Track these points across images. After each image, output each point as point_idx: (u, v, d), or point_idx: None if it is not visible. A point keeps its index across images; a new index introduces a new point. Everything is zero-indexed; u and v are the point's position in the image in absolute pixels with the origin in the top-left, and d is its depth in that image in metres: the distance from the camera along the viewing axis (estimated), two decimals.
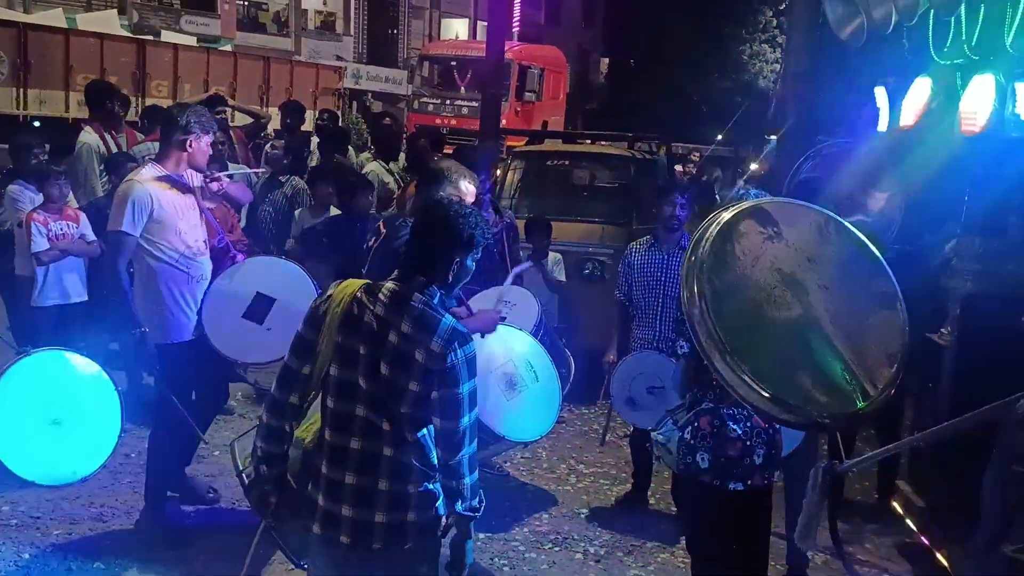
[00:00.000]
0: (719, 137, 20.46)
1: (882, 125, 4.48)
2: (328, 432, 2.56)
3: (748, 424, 3.19)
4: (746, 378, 2.43)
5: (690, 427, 3.24)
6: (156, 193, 3.97)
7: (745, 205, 2.78)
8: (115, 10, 17.33)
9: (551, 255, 6.48)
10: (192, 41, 16.04)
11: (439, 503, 2.57)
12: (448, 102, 18.65)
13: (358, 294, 2.53)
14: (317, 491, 2.57)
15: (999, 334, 3.99)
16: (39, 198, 5.35)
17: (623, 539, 4.68)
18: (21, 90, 11.16)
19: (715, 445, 3.18)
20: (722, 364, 2.47)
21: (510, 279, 4.76)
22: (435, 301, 2.53)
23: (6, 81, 11.02)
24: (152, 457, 4.27)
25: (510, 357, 4.17)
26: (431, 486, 2.55)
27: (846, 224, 2.82)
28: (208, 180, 4.26)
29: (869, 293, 2.71)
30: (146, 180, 4.00)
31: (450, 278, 2.58)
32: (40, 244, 5.20)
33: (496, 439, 3.98)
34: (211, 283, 4.18)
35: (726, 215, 2.67)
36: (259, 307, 4.02)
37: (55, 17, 13.62)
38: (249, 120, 8.58)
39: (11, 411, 2.87)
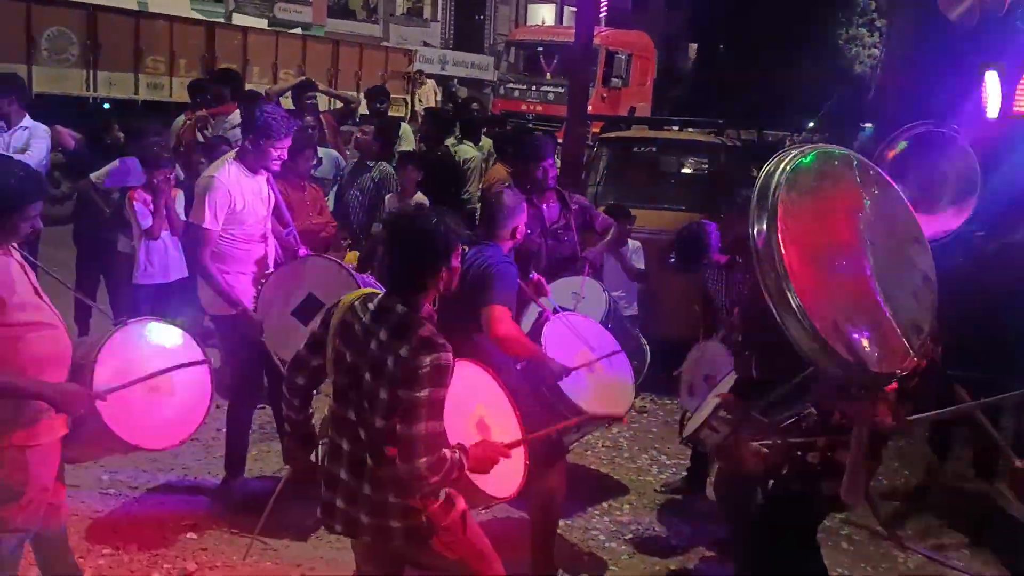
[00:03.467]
0: (811, 124, 19.86)
1: (992, 111, 4.25)
2: (330, 428, 2.73)
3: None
4: (803, 324, 2.36)
5: (818, 452, 3.16)
6: (232, 186, 4.18)
7: (807, 149, 2.70)
8: None
9: (631, 242, 6.38)
10: (263, 24, 16.18)
11: (430, 511, 2.61)
12: (534, 87, 18.59)
13: (355, 304, 2.67)
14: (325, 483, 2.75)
15: None
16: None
17: (705, 532, 4.61)
18: (91, 72, 11.25)
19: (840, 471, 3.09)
20: (789, 315, 2.39)
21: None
22: (418, 310, 2.60)
23: (76, 63, 11.10)
24: (230, 428, 4.52)
25: (586, 346, 4.12)
26: (413, 501, 2.59)
27: (890, 180, 2.73)
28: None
29: (912, 265, 2.66)
30: (224, 175, 4.20)
31: (441, 285, 2.66)
32: (148, 220, 5.40)
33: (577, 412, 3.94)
34: (273, 273, 4.33)
35: (787, 159, 2.59)
36: (308, 308, 4.10)
37: None
38: (339, 105, 8.72)
39: (115, 378, 3.03)
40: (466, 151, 8.06)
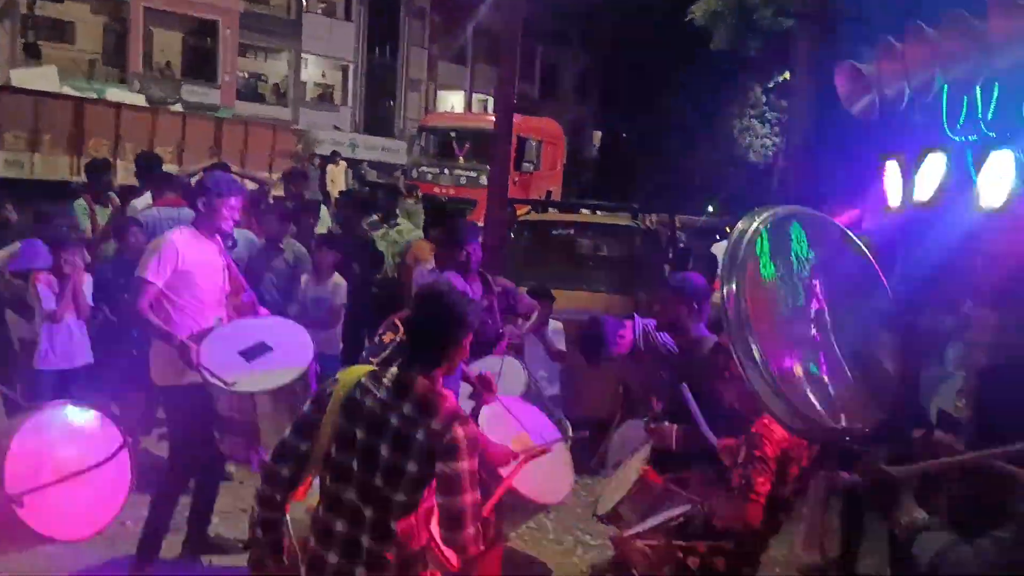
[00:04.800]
0: (710, 208, 20.70)
1: (894, 200, 4.52)
2: (321, 510, 2.65)
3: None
4: (772, 384, 2.42)
5: (698, 558, 3.22)
6: (183, 248, 4.21)
7: (779, 210, 2.81)
8: (54, 67, 16.70)
9: (552, 323, 6.46)
10: (140, 100, 15.73)
11: None
12: (446, 171, 18.87)
13: (363, 380, 2.63)
14: (303, 566, 2.65)
15: (1017, 407, 3.95)
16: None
17: None
18: None
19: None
20: (753, 370, 2.45)
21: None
22: (438, 385, 2.62)
23: None
24: (152, 511, 4.28)
25: (525, 428, 4.09)
26: None
27: (858, 241, 2.86)
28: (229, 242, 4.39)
29: (872, 311, 2.75)
30: (177, 235, 4.26)
31: (455, 359, 2.69)
32: (50, 303, 5.18)
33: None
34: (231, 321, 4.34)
35: (758, 220, 2.68)
36: (256, 351, 4.11)
37: None
38: (254, 186, 8.64)
39: (28, 465, 2.85)
40: (407, 230, 8.10)
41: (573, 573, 5.09)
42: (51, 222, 5.78)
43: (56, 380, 5.34)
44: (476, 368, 4.59)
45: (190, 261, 4.22)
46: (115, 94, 17.77)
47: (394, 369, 2.64)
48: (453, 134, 19.48)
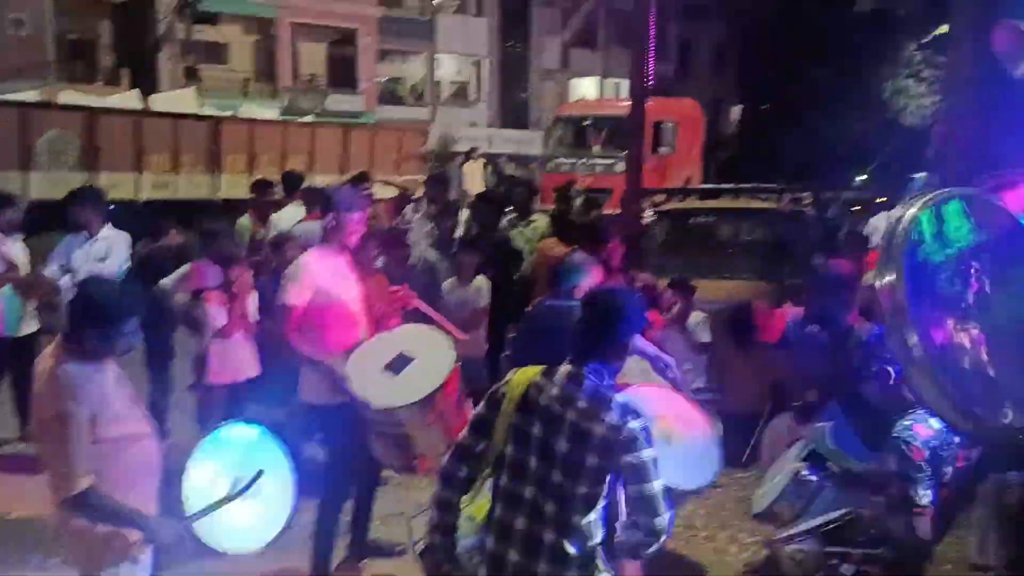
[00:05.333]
0: (862, 177, 19.65)
1: None
2: (498, 509, 2.69)
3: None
4: (935, 381, 2.30)
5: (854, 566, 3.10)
6: (318, 267, 4.37)
7: (941, 193, 2.67)
8: (191, 88, 17.26)
9: (694, 315, 6.35)
10: (274, 114, 16.02)
11: None
12: (582, 161, 18.79)
13: (536, 379, 2.69)
14: (482, 566, 2.70)
15: None
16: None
17: None
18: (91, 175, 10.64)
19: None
20: (915, 368, 2.34)
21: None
22: (605, 380, 2.68)
23: (76, 167, 10.56)
24: (318, 524, 4.48)
25: (663, 411, 4.07)
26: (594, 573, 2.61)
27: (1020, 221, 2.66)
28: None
29: None
30: (309, 257, 4.43)
31: (622, 359, 2.78)
32: (221, 320, 5.52)
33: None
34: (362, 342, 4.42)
35: (918, 205, 2.55)
36: (399, 363, 4.22)
37: (129, 99, 13.53)
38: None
39: (201, 485, 3.10)
40: (543, 226, 8.10)
41: (727, 573, 4.97)
42: (218, 241, 6.13)
43: (227, 393, 5.71)
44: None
45: (326, 279, 4.37)
46: (266, 111, 18.71)
47: (566, 366, 2.70)
48: (588, 122, 19.36)
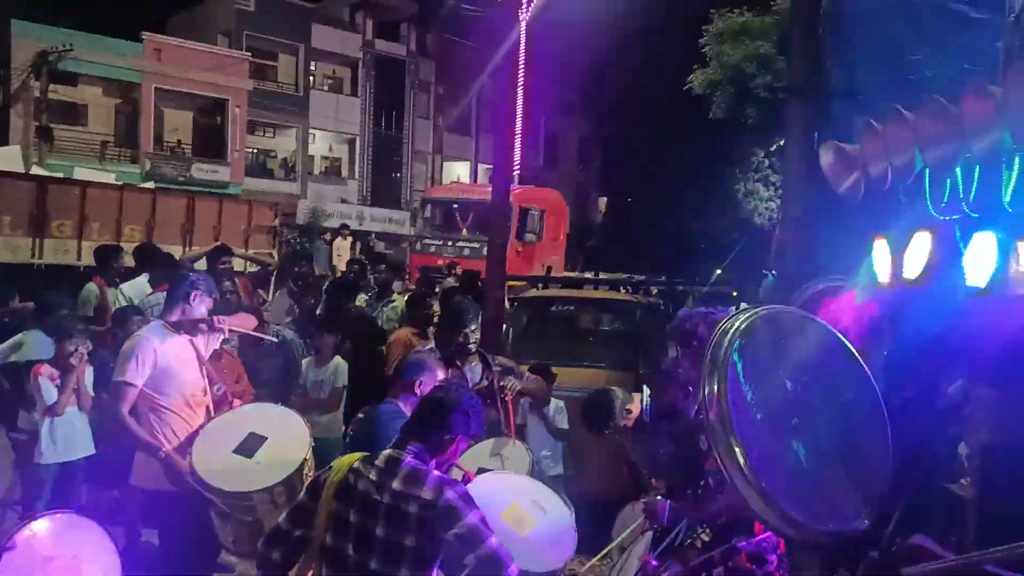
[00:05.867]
0: (718, 272, 20.73)
1: (883, 276, 4.54)
2: None
3: (778, 552, 3.11)
4: (761, 494, 2.39)
5: (721, 567, 3.14)
6: (159, 345, 4.19)
7: (760, 311, 2.80)
8: (17, 147, 16.60)
9: (553, 402, 6.43)
10: (110, 178, 15.32)
11: None
12: (450, 243, 19.03)
13: (355, 464, 2.68)
14: None
15: (1020, 484, 3.89)
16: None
17: None
18: None
19: None
20: (739, 476, 2.42)
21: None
22: (425, 464, 2.68)
23: None
24: None
25: (514, 498, 4.07)
26: None
27: (839, 336, 2.85)
28: (211, 326, 4.40)
29: (860, 408, 2.73)
30: (151, 334, 4.23)
31: (446, 451, 2.76)
32: (52, 395, 5.18)
33: None
34: (206, 422, 4.26)
35: (739, 321, 2.67)
36: (250, 444, 4.09)
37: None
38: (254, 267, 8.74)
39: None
40: (402, 306, 8.08)
41: None
42: (52, 312, 5.80)
43: (57, 473, 5.32)
44: (481, 449, 4.58)
45: (169, 357, 4.20)
46: (126, 176, 18.03)
47: (387, 451, 2.69)
48: (455, 205, 19.70)
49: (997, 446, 4.17)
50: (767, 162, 27.90)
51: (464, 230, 19.07)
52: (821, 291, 4.93)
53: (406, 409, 3.87)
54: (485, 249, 17.95)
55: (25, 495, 5.39)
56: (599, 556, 4.46)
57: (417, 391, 3.92)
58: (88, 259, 11.06)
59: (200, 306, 4.35)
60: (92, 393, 5.38)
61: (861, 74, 7.89)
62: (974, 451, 4.38)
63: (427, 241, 19.37)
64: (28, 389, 5.41)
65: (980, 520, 4.28)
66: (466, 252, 18.11)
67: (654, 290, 9.05)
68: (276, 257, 10.47)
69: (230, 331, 4.61)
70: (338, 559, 2.59)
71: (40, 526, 3.13)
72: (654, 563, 3.55)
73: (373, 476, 2.61)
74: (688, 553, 3.38)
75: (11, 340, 6.21)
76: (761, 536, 3.14)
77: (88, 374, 5.40)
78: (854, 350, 2.87)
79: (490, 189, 15.07)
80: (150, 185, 16.46)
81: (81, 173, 13.98)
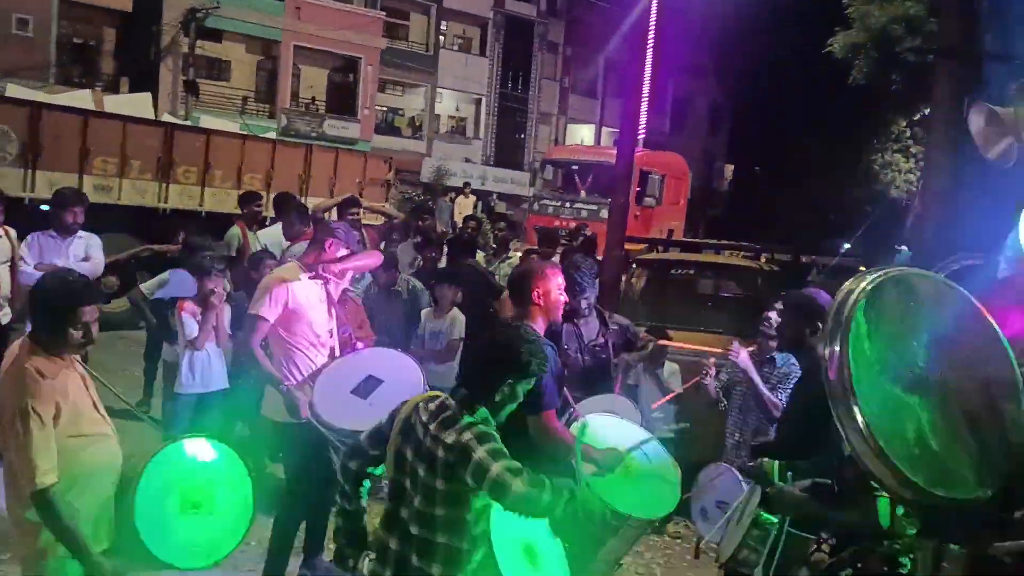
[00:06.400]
0: (846, 246, 19.93)
1: None
2: (379, 528, 2.77)
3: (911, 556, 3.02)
4: (888, 463, 2.32)
5: (850, 568, 3.08)
6: (292, 286, 4.38)
7: (892, 271, 2.69)
8: (148, 93, 16.45)
9: (668, 365, 6.40)
10: (234, 127, 15.45)
11: None
12: (568, 204, 18.94)
13: (419, 403, 2.76)
14: None
15: None
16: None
17: None
18: (30, 172, 10.09)
19: None
20: (856, 435, 2.36)
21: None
22: (474, 416, 2.67)
23: (13, 162, 10.02)
24: (273, 543, 4.47)
25: (623, 442, 4.11)
26: None
27: (980, 307, 2.70)
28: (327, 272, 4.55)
29: (993, 381, 2.59)
30: (286, 274, 4.44)
31: (497, 398, 2.73)
32: (193, 330, 5.52)
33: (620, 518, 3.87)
34: (331, 361, 4.46)
35: (868, 280, 2.58)
36: (367, 386, 4.23)
37: (80, 98, 12.95)
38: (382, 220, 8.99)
39: (155, 496, 3.09)
40: (514, 264, 8.20)
41: None
42: (198, 252, 6.16)
43: (195, 403, 5.70)
44: (594, 403, 4.61)
45: (300, 298, 4.40)
46: (262, 130, 18.76)
47: (442, 395, 2.77)
48: (575, 167, 19.55)
49: None
50: (908, 132, 26.42)
51: (583, 192, 18.96)
52: (957, 271, 4.69)
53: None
54: (602, 212, 17.93)
55: (166, 420, 5.79)
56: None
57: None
58: (209, 205, 11.61)
59: (334, 254, 4.53)
60: (229, 331, 5.69)
61: (1017, 36, 7.35)
62: None
63: (545, 201, 19.32)
64: (172, 324, 5.78)
65: None
66: (583, 214, 18.02)
67: (776, 259, 8.78)
68: (389, 209, 10.61)
69: (353, 275, 4.78)
70: (398, 492, 2.71)
71: (180, 447, 3.36)
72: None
73: (424, 418, 2.69)
74: (814, 555, 3.32)
75: (157, 277, 6.67)
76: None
77: (226, 313, 5.71)
78: (995, 325, 2.71)
79: (611, 151, 14.92)
80: (272, 135, 16.85)
81: (222, 128, 14.45)
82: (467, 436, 2.57)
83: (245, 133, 14.23)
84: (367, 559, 2.82)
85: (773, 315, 4.77)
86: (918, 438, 2.45)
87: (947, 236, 6.63)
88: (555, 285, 3.83)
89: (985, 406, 2.58)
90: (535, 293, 3.77)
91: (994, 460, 2.47)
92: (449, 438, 2.59)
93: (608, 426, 4.11)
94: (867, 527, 2.99)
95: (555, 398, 3.67)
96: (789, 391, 4.65)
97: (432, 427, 2.65)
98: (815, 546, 3.34)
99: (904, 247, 10.73)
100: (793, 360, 4.89)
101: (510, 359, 2.73)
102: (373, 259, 5.26)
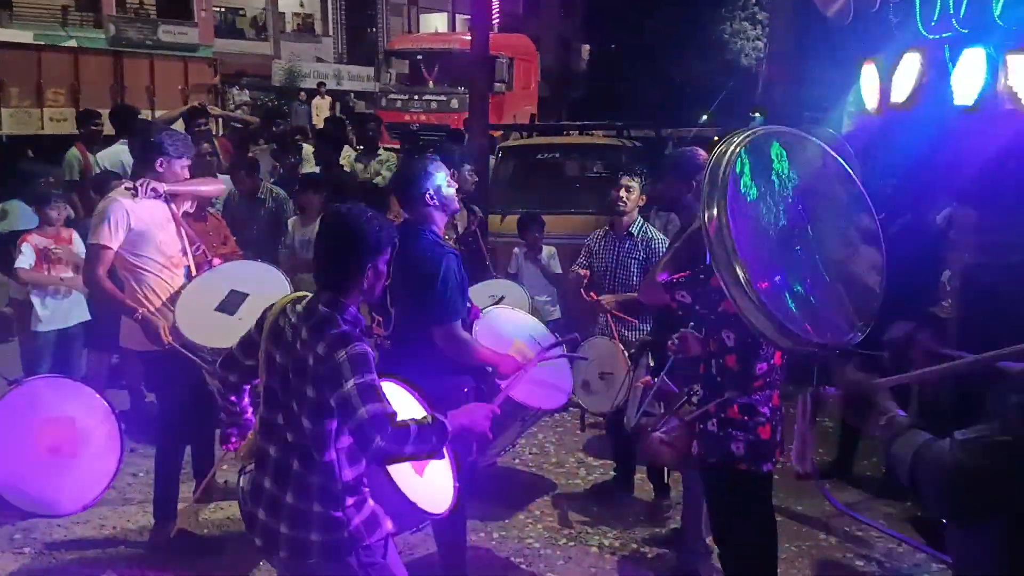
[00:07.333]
0: (704, 118, 20.44)
1: (871, 103, 4.47)
2: (257, 435, 2.70)
3: (771, 405, 3.23)
4: (758, 303, 2.45)
5: (715, 418, 3.27)
6: (132, 207, 4.10)
7: (758, 131, 2.77)
8: None
9: (545, 248, 6.50)
10: (28, 38, 14.25)
11: (353, 526, 2.54)
12: (417, 97, 18.26)
13: (286, 305, 2.64)
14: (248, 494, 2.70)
15: (1000, 303, 3.99)
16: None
17: (637, 530, 4.70)
18: None
19: (749, 430, 3.22)
20: (738, 290, 2.48)
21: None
22: (342, 312, 2.55)
23: None
24: (157, 471, 4.34)
25: (518, 334, 4.18)
26: (337, 512, 2.53)
27: (839, 158, 2.85)
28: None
29: (856, 229, 2.77)
30: (122, 196, 4.14)
31: (365, 284, 2.61)
32: (24, 261, 5.16)
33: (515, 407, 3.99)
34: (188, 282, 4.27)
35: (736, 142, 2.66)
36: (232, 301, 4.12)
37: None
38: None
39: (8, 444, 2.90)
40: (387, 159, 8.05)
41: (577, 490, 5.21)
42: (32, 180, 5.71)
43: (56, 339, 5.39)
44: (481, 290, 4.63)
45: (143, 219, 4.12)
46: (89, 41, 17.27)
47: (309, 296, 2.62)
48: (420, 57, 18.86)
49: (979, 265, 4.26)
50: None
51: (431, 83, 18.36)
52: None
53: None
54: (453, 102, 17.52)
55: (25, 363, 5.47)
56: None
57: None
58: (50, 128, 10.72)
59: (170, 170, 4.22)
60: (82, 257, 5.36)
61: None
62: (955, 273, 4.49)
63: (392, 96, 18.57)
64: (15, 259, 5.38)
65: (961, 340, 4.42)
66: (433, 106, 17.54)
67: (637, 136, 8.90)
68: (243, 116, 10.04)
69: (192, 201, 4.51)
70: (271, 397, 2.61)
71: (36, 387, 3.18)
72: (673, 387, 3.66)
73: (294, 320, 2.57)
74: (683, 408, 3.49)
75: None
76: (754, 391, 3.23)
77: (76, 240, 5.36)
78: (852, 171, 2.85)
79: (456, 37, 14.46)
80: (72, 44, 15.42)
81: (44, 41, 13.16)
82: (340, 354, 2.41)
83: (42, 43, 12.93)
84: (245, 472, 2.75)
85: (622, 192, 4.85)
86: (792, 289, 2.58)
87: (795, 97, 6.88)
88: (443, 180, 3.74)
89: (849, 253, 2.73)
90: (427, 194, 3.67)
91: (863, 305, 2.62)
92: (320, 347, 2.45)
93: (506, 320, 4.16)
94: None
95: (461, 308, 3.61)
96: (658, 251, 4.76)
97: (303, 332, 2.52)
98: (684, 399, 3.52)
99: (757, 114, 11.11)
100: (645, 224, 5.00)
101: (363, 239, 2.56)
102: (213, 187, 4.93)
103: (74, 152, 7.15)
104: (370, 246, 2.57)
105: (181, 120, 7.53)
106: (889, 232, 2.88)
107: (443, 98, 17.20)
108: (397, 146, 9.28)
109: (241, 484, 2.75)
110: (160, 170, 4.19)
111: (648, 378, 3.96)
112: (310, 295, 2.65)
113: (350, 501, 2.55)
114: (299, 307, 2.61)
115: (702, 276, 3.17)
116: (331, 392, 2.42)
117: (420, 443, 2.43)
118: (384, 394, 2.45)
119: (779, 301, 2.53)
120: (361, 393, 2.38)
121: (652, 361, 4.34)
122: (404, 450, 2.42)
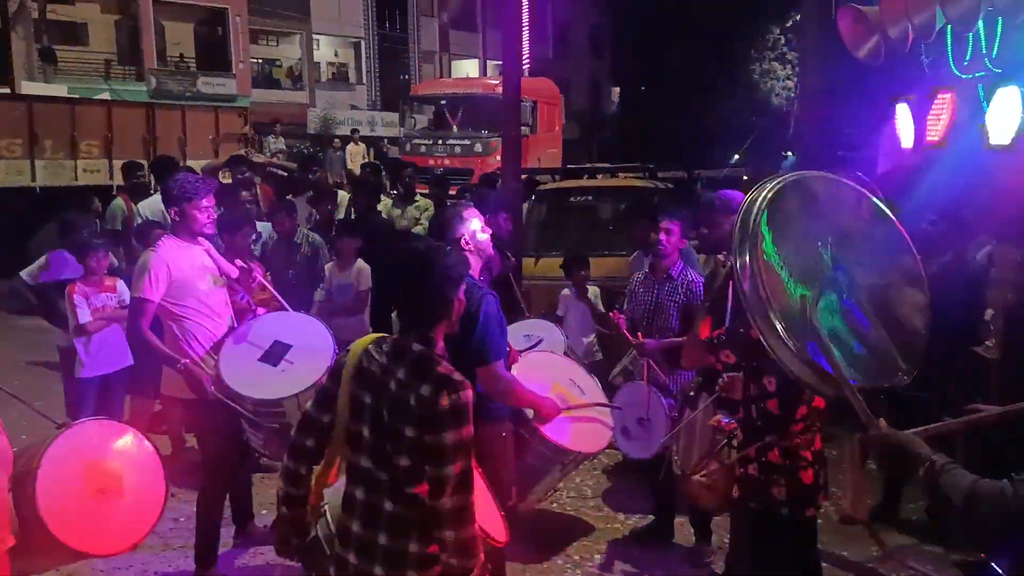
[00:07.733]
0: (735, 157, 20.45)
1: (906, 141, 4.47)
2: (345, 482, 2.66)
3: (813, 449, 3.20)
4: (809, 363, 2.39)
5: (756, 462, 3.23)
6: (171, 259, 4.17)
7: (789, 178, 2.76)
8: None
9: (591, 289, 6.49)
10: (63, 92, 14.77)
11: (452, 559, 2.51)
12: (440, 142, 18.33)
13: (369, 347, 2.63)
14: (334, 539, 2.65)
15: None
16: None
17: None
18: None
19: (792, 474, 3.18)
20: (776, 340, 2.42)
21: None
22: (434, 347, 2.59)
23: None
24: (200, 517, 4.38)
25: (556, 377, 4.19)
26: (432, 548, 2.50)
27: (875, 200, 2.82)
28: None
29: (898, 270, 2.72)
30: (161, 247, 4.23)
31: (453, 316, 2.66)
32: (84, 316, 5.28)
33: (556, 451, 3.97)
34: (230, 332, 4.32)
35: (768, 190, 2.64)
36: (275, 352, 4.15)
37: None
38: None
39: (59, 483, 2.97)
40: (426, 205, 8.18)
41: (616, 534, 5.16)
42: (75, 230, 5.86)
43: (99, 385, 5.49)
44: (515, 330, 4.63)
45: (180, 269, 4.20)
46: (132, 94, 17.78)
47: (396, 336, 2.64)
48: (444, 102, 19.03)
49: (1022, 304, 4.19)
50: (783, 39, 27.07)
51: (455, 128, 18.48)
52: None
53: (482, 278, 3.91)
54: (476, 146, 17.61)
55: (69, 408, 5.56)
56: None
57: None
58: (84, 179, 11.01)
59: (199, 214, 4.27)
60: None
61: None
62: (998, 312, 4.42)
63: (416, 141, 18.60)
64: (61, 309, 5.51)
65: (1003, 380, 4.34)
66: (457, 150, 17.64)
67: (668, 177, 8.94)
68: (283, 163, 10.26)
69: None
70: (358, 441, 2.59)
71: (85, 428, 3.25)
72: (726, 421, 3.63)
73: (383, 361, 2.57)
74: (723, 452, 3.46)
75: (36, 262, 6.32)
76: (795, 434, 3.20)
77: (120, 288, 5.49)
78: (887, 210, 2.82)
79: (479, 82, 14.49)
80: (106, 96, 15.87)
81: (79, 94, 13.59)
82: (444, 401, 2.44)
83: (71, 97, 13.40)
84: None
85: (662, 235, 4.85)
86: (832, 336, 2.54)
87: (827, 137, 6.88)
88: (478, 225, 3.81)
89: (892, 295, 2.68)
90: (462, 239, 3.74)
91: (908, 347, 2.57)
92: (424, 391, 2.46)
93: (546, 363, 4.18)
94: None
95: (503, 347, 3.64)
96: (699, 293, 4.75)
97: (400, 373, 2.53)
98: (724, 442, 3.48)
99: (789, 153, 11.10)
100: (686, 267, 4.99)
101: (446, 272, 2.63)
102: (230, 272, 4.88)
103: (119, 203, 7.36)
104: (452, 278, 2.64)
105: (227, 169, 7.72)
106: (929, 271, 2.84)
107: (467, 142, 17.36)
108: (426, 190, 9.38)
109: (317, 532, 2.72)
110: (177, 218, 4.28)
111: (719, 417, 3.91)
112: (388, 336, 2.67)
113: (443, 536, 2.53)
114: (384, 347, 2.62)
115: (741, 330, 3.16)
116: (428, 435, 2.43)
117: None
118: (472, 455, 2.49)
119: (816, 348, 2.49)
120: (455, 450, 2.44)
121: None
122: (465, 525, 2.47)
